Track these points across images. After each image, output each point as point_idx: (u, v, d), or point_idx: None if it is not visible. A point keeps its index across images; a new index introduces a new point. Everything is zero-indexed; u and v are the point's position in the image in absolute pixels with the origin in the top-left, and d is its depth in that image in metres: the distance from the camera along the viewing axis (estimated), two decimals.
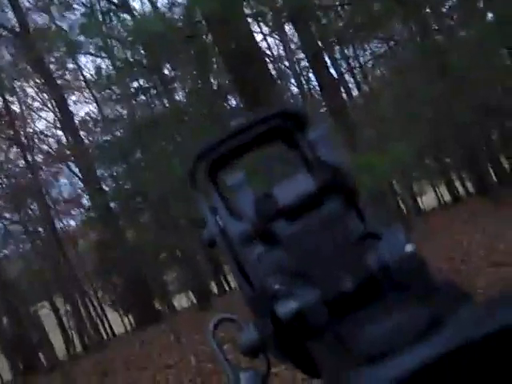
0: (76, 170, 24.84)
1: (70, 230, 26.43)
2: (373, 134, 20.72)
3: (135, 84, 17.95)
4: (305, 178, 0.74)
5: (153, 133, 15.93)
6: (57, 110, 23.57)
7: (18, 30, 21.07)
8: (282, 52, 21.35)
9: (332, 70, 18.75)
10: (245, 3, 9.50)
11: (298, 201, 0.72)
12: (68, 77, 24.44)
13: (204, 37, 11.59)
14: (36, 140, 24.46)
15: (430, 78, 16.62)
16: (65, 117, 22.75)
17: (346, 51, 23.18)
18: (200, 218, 0.79)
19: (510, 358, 0.50)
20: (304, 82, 20.19)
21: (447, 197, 31.44)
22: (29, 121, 24.12)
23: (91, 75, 21.89)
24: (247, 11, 9.95)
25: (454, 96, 14.82)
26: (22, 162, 22.48)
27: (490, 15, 14.85)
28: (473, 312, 0.56)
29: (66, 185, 27.52)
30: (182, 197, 13.53)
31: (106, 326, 27.14)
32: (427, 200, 33.38)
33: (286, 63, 19.55)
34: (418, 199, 31.73)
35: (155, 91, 18.09)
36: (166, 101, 18.01)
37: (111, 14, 11.63)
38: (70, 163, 25.09)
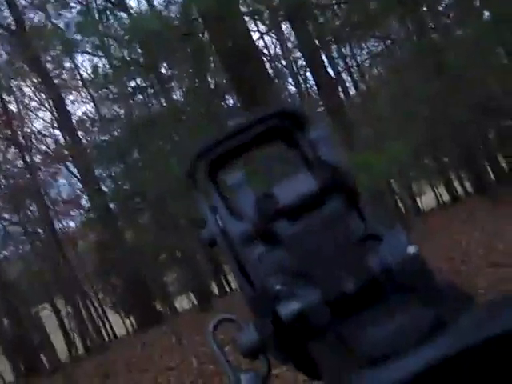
0: (74, 171, 24.85)
1: (69, 231, 26.43)
2: (370, 132, 20.75)
3: (132, 83, 17.95)
4: (305, 178, 0.74)
5: (150, 132, 15.93)
6: (54, 109, 23.56)
7: (14, 28, 21.04)
8: (278, 51, 21.38)
9: (329, 69, 18.78)
10: (241, 1, 9.52)
11: (298, 201, 0.72)
12: (65, 76, 24.46)
13: (200, 35, 11.58)
14: (34, 140, 24.48)
15: (427, 76, 16.65)
16: (62, 116, 22.74)
17: (343, 50, 23.20)
18: (200, 217, 0.79)
19: (506, 362, 0.50)
20: (301, 81, 20.19)
21: (446, 196, 31.52)
22: (26, 120, 24.15)
23: (88, 74, 21.88)
24: (244, 9, 9.96)
25: (451, 95, 14.84)
26: (20, 163, 22.49)
27: (486, 14, 14.89)
28: (475, 315, 0.56)
29: (65, 185, 27.49)
30: (181, 196, 13.52)
31: (108, 327, 27.17)
32: (426, 200, 33.48)
33: (283, 62, 19.56)
34: (417, 199, 31.79)
35: (152, 90, 18.09)
36: (163, 100, 18.01)
37: (108, 12, 11.60)
38: (68, 163, 25.10)
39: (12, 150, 22.64)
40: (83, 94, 24.42)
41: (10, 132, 21.10)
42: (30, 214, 23.10)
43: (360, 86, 25.82)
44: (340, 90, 20.96)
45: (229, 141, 0.82)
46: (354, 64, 24.97)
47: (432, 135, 21.14)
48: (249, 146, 0.84)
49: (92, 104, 22.85)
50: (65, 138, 23.85)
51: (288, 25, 15.50)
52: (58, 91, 22.79)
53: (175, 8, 12.50)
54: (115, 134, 19.71)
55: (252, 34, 11.52)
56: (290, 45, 18.16)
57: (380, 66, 25.27)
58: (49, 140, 25.50)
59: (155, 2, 14.56)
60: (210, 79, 15.94)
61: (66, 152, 23.95)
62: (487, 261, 8.44)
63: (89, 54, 16.76)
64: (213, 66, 14.66)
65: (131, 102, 18.91)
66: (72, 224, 27.29)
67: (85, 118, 25.14)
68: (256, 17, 11.14)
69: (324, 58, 17.94)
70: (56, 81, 23.37)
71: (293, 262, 0.70)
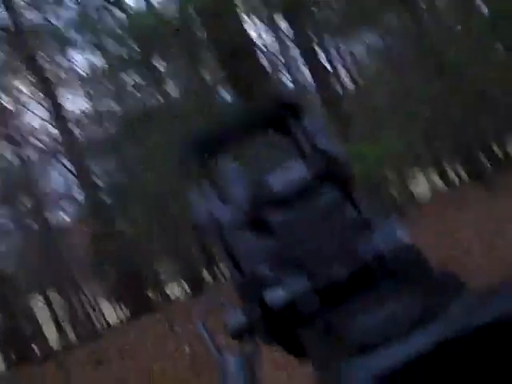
0: (68, 165, 24.73)
1: (62, 223, 26.36)
2: (365, 124, 20.73)
3: (127, 79, 17.89)
4: (298, 167, 0.75)
5: (145, 127, 15.90)
6: (49, 105, 23.44)
7: (10, 27, 20.91)
8: (275, 45, 21.30)
9: (325, 63, 18.76)
10: None
11: (291, 189, 0.72)
12: (61, 73, 24.27)
13: (196, 31, 11.55)
14: (28, 135, 24.38)
15: (422, 68, 16.64)
16: (57, 112, 22.62)
17: (339, 44, 23.15)
18: (193, 206, 0.80)
19: (505, 347, 0.51)
20: (297, 74, 20.13)
21: (441, 185, 31.44)
22: (21, 117, 24.06)
23: (84, 71, 21.83)
24: (239, 4, 9.91)
25: (447, 84, 14.84)
26: (14, 158, 22.45)
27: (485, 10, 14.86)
28: (466, 302, 0.56)
29: (59, 179, 27.37)
30: (177, 191, 13.53)
31: (100, 316, 27.11)
32: (421, 188, 33.35)
33: (279, 56, 19.52)
34: (412, 188, 31.74)
35: (148, 86, 18.03)
36: (158, 95, 17.97)
37: (104, 10, 11.58)
38: (62, 158, 24.99)
39: (6, 144, 22.57)
40: (79, 91, 24.31)
41: (5, 128, 21.03)
42: (23, 207, 23.09)
43: (355, 79, 25.76)
44: (335, 82, 20.94)
45: (222, 129, 0.83)
46: (350, 57, 24.91)
47: (427, 124, 21.14)
48: (242, 134, 0.84)
49: (87, 100, 22.80)
50: (60, 134, 23.74)
51: (284, 19, 15.47)
52: (54, 88, 22.69)
53: (172, 4, 12.46)
54: (110, 129, 19.67)
55: (248, 28, 11.47)
56: (286, 39, 18.12)
57: (375, 59, 25.21)
58: (44, 136, 25.41)
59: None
60: (205, 74, 15.91)
61: (61, 147, 23.86)
62: (481, 246, 8.50)
63: (84, 50, 16.76)
64: (209, 61, 14.62)
65: (127, 97, 18.87)
66: (65, 217, 27.27)
67: (80, 113, 25.02)
68: (252, 11, 11.11)
69: (320, 51, 17.92)
70: (51, 77, 23.25)
71: (283, 249, 0.70)
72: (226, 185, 0.79)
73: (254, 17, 19.38)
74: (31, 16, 20.95)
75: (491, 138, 23.92)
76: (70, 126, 22.99)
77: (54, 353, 17.54)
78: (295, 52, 19.53)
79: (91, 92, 21.06)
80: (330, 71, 18.97)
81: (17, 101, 23.93)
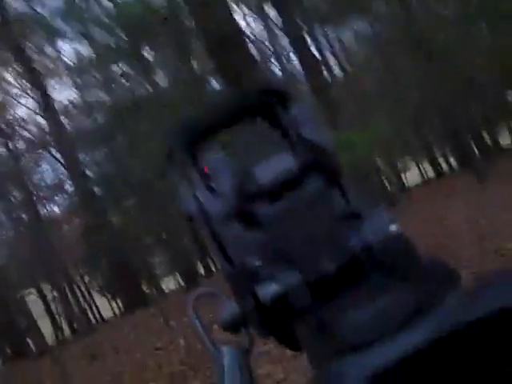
0: (58, 156, 24.66)
1: (54, 216, 26.31)
2: (354, 111, 20.74)
3: (116, 68, 17.80)
4: (286, 157, 0.73)
5: (134, 117, 15.85)
6: (37, 96, 23.32)
7: None
8: (263, 33, 21.24)
9: (314, 50, 18.72)
10: None
11: (278, 180, 0.70)
12: (48, 63, 24.14)
13: (185, 20, 11.48)
14: (17, 127, 24.27)
15: (411, 54, 16.65)
16: (45, 103, 22.51)
17: (327, 31, 23.13)
18: (181, 197, 0.78)
19: (501, 341, 0.49)
20: (286, 62, 20.12)
21: (430, 172, 31.60)
22: (9, 107, 23.91)
23: (71, 61, 21.69)
24: None
25: (435, 71, 14.86)
26: (3, 150, 22.34)
27: None
28: (462, 295, 0.55)
29: (49, 171, 27.30)
30: (166, 178, 13.49)
31: (94, 310, 27.16)
32: (411, 176, 33.50)
33: (268, 44, 19.47)
34: (402, 175, 31.88)
35: (136, 75, 17.95)
36: (147, 85, 17.90)
37: None
38: (51, 149, 24.91)
39: None
40: (66, 80, 24.19)
41: None
42: (14, 199, 23.00)
43: (344, 66, 25.76)
44: (324, 70, 20.92)
45: (209, 117, 0.81)
46: (338, 44, 24.91)
47: (416, 112, 21.19)
48: (229, 123, 0.81)
49: (75, 90, 22.69)
50: (48, 124, 23.64)
51: (272, 7, 15.42)
52: (41, 78, 22.56)
53: None
54: (99, 119, 19.61)
55: (236, 17, 11.41)
56: (274, 27, 18.08)
57: (364, 46, 25.21)
58: (32, 126, 25.30)
59: None
60: (194, 63, 15.85)
61: (50, 138, 23.77)
62: (471, 234, 8.53)
63: (72, 40, 16.63)
64: (197, 50, 14.56)
65: (115, 87, 18.78)
66: (56, 209, 27.21)
67: (68, 103, 24.92)
68: (240, 0, 11.06)
69: (309, 39, 17.89)
70: (39, 67, 23.12)
71: (271, 242, 0.68)
72: (213, 175, 0.77)
73: (242, 5, 19.33)
74: (16, 5, 20.81)
75: (481, 126, 24.02)
76: (59, 116, 22.89)
77: (49, 348, 17.53)
78: (284, 40, 19.51)
79: (79, 82, 20.93)
80: (318, 59, 18.92)
81: (5, 92, 23.77)
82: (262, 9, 11.62)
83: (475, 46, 17.51)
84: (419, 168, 32.74)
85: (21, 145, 24.12)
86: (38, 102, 23.61)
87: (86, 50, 17.88)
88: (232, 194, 0.72)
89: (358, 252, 0.64)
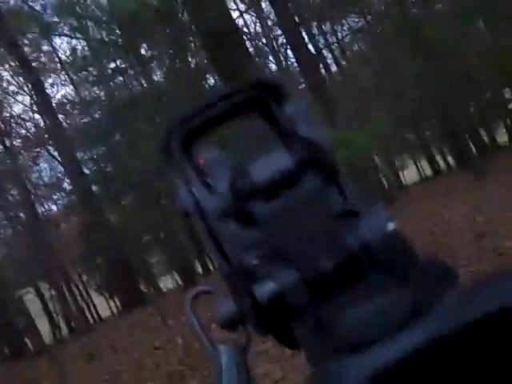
0: (55, 154, 24.68)
1: (51, 215, 26.32)
2: (351, 109, 20.76)
3: (112, 65, 17.78)
4: (282, 154, 0.71)
5: (131, 114, 15.84)
6: (33, 93, 23.31)
7: None
8: (259, 29, 21.26)
9: (310, 46, 18.73)
10: None
11: (275, 178, 0.69)
12: (43, 59, 24.15)
13: (180, 15, 11.47)
14: (13, 124, 24.25)
15: (408, 51, 16.66)
16: (42, 100, 22.50)
17: (323, 27, 23.12)
18: (178, 193, 0.77)
19: (500, 341, 0.49)
20: (282, 58, 20.12)
21: (428, 171, 31.71)
22: (5, 105, 23.88)
23: (67, 57, 21.65)
24: None
25: (432, 69, 14.87)
26: (0, 147, 22.30)
27: None
28: (461, 294, 0.54)
29: (46, 169, 27.29)
30: (164, 177, 13.48)
31: (92, 309, 27.20)
32: (408, 174, 33.63)
33: (264, 40, 19.46)
34: (400, 173, 31.98)
35: (132, 71, 17.94)
36: (143, 81, 17.89)
37: None
38: (49, 147, 24.91)
39: None
40: (62, 77, 24.19)
41: None
42: (11, 198, 22.97)
43: (341, 63, 25.78)
44: (321, 66, 20.93)
45: (204, 112, 0.79)
46: (335, 40, 24.92)
47: (414, 110, 21.23)
48: (225, 118, 0.80)
49: (72, 86, 22.66)
50: (45, 122, 23.64)
51: (267, 3, 15.42)
52: (37, 74, 22.53)
53: None
54: (96, 116, 19.59)
55: (232, 12, 11.40)
56: (269, 23, 18.08)
57: (361, 42, 25.24)
58: (29, 124, 25.29)
59: None
60: (190, 59, 15.84)
61: (47, 135, 23.76)
62: (469, 233, 8.54)
63: (67, 36, 16.57)
64: (193, 45, 14.55)
65: (111, 83, 18.75)
66: (54, 207, 27.22)
67: (65, 100, 24.93)
68: None
69: (304, 34, 17.90)
70: (34, 64, 23.10)
71: (269, 240, 0.67)
72: (209, 172, 0.76)
73: (238, 1, 19.33)
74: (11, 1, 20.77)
75: (478, 124, 24.07)
76: (56, 113, 22.90)
77: (47, 347, 17.59)
78: (280, 37, 19.52)
79: (75, 78, 20.88)
80: (314, 54, 18.93)
81: (1, 89, 23.73)
82: (258, 3, 11.61)
83: (473, 45, 17.52)
84: (417, 166, 32.83)
85: (18, 143, 24.11)
86: (34, 99, 23.62)
87: (80, 45, 17.83)
88: (228, 192, 0.71)
89: (356, 250, 0.63)
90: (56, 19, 10.51)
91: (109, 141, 18.66)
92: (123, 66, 17.71)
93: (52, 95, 24.55)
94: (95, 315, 27.20)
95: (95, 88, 20.58)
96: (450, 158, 29.50)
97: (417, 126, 26.41)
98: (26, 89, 24.36)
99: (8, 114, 23.99)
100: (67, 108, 24.71)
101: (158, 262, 28.77)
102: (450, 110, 17.03)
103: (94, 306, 27.54)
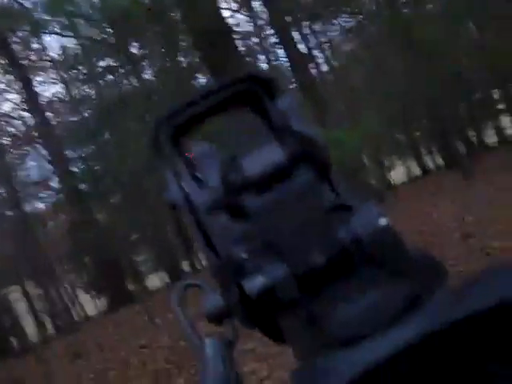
0: (44, 152, 24.55)
1: (39, 213, 26.18)
2: (342, 108, 20.79)
3: (102, 63, 17.72)
4: (274, 148, 0.71)
5: (121, 112, 15.79)
6: (22, 91, 23.19)
7: None
8: (250, 28, 21.24)
9: (301, 46, 18.75)
10: None
11: (267, 171, 0.68)
12: (33, 57, 24.02)
13: (172, 14, 11.45)
14: (2, 122, 24.11)
15: (398, 52, 16.71)
16: (31, 98, 22.39)
17: (314, 26, 23.13)
18: (167, 186, 0.77)
19: (491, 338, 0.48)
20: (273, 57, 20.15)
21: (417, 170, 31.80)
22: None
23: (57, 55, 21.57)
24: None
25: (422, 69, 14.92)
26: None
27: None
28: (451, 291, 0.54)
29: (34, 167, 27.14)
30: (152, 175, 13.46)
31: (78, 308, 27.08)
32: (397, 174, 33.69)
33: (255, 39, 19.46)
34: (388, 173, 32.04)
35: (123, 70, 17.88)
36: (134, 80, 17.83)
37: None
38: (37, 145, 24.78)
39: None
40: (52, 75, 24.07)
41: None
42: None
43: (332, 62, 25.81)
44: (312, 66, 20.95)
45: (194, 105, 0.78)
46: (326, 40, 24.94)
47: (404, 110, 21.28)
48: (215, 111, 0.79)
49: (61, 85, 22.57)
50: (34, 120, 23.52)
51: (259, 2, 15.42)
52: (26, 72, 22.43)
53: None
54: (86, 114, 19.53)
55: (223, 11, 11.38)
56: (261, 22, 18.09)
57: (352, 42, 25.27)
58: (17, 122, 25.14)
59: None
60: (181, 58, 15.81)
61: (35, 134, 23.65)
62: (457, 232, 8.58)
63: (57, 34, 16.49)
64: (184, 44, 14.53)
65: (101, 82, 18.69)
66: (42, 206, 27.07)
67: (54, 99, 24.80)
68: None
69: (295, 34, 17.91)
70: (24, 62, 22.98)
71: (259, 234, 0.67)
72: (199, 166, 0.76)
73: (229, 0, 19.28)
74: None
75: (466, 125, 24.17)
76: (45, 111, 22.79)
77: (33, 346, 17.49)
78: (271, 36, 19.51)
79: (64, 76, 20.81)
80: (305, 54, 18.95)
81: None
82: (249, 2, 11.60)
83: (463, 45, 17.59)
84: (405, 166, 32.92)
85: (7, 141, 23.97)
86: (23, 97, 23.50)
87: (70, 43, 17.76)
88: (219, 185, 0.70)
89: (348, 244, 0.63)
90: (46, 17, 10.45)
91: (98, 139, 18.60)
92: (114, 64, 17.65)
93: (41, 93, 24.43)
94: (81, 314, 27.10)
95: (85, 86, 20.52)
96: (438, 158, 29.61)
97: (407, 126, 26.49)
98: (15, 86, 24.23)
99: None
100: (56, 106, 24.59)
101: (146, 260, 28.70)
102: (439, 110, 17.10)
103: (81, 304, 27.44)
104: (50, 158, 23.56)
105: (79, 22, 11.14)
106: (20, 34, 19.77)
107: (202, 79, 16.76)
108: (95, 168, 19.65)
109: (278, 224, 0.67)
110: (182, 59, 15.89)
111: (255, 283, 0.60)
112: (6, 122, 24.42)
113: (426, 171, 29.54)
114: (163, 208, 15.91)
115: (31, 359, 13.09)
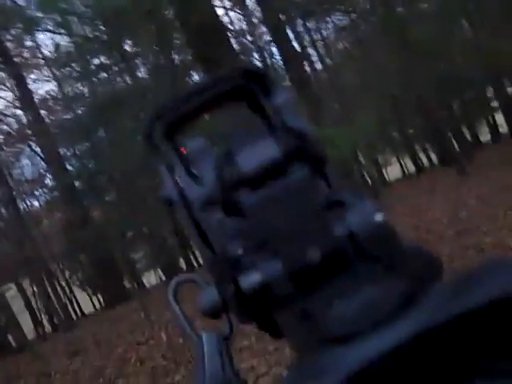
0: (38, 150, 24.51)
1: (33, 211, 26.14)
2: (336, 106, 20.80)
3: (96, 61, 17.67)
4: (269, 143, 0.70)
5: (115, 110, 15.76)
6: (16, 88, 23.12)
7: None
8: (244, 26, 21.22)
9: (295, 44, 18.74)
10: None
11: (262, 167, 0.68)
12: (26, 54, 23.94)
13: (165, 11, 11.43)
14: None
15: (392, 50, 16.72)
16: (24, 96, 22.33)
17: (308, 24, 23.14)
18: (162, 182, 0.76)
19: (488, 334, 0.48)
20: (267, 55, 20.12)
21: (411, 167, 31.85)
22: None
23: (50, 52, 21.50)
24: None
25: (416, 68, 14.94)
26: None
27: None
28: (448, 287, 0.53)
29: (28, 165, 27.08)
30: (147, 173, 13.45)
31: (75, 305, 27.07)
32: (392, 171, 33.75)
33: (249, 37, 19.45)
34: (383, 170, 32.09)
35: (116, 68, 17.83)
36: (127, 77, 17.79)
37: None
38: (31, 143, 24.73)
39: None
40: (45, 73, 23.99)
41: None
42: None
43: (326, 61, 25.81)
44: (306, 64, 20.94)
45: (188, 100, 0.77)
46: (320, 38, 24.95)
47: (398, 108, 21.31)
48: (210, 106, 0.79)
49: (55, 82, 22.50)
50: (27, 118, 23.46)
51: (253, 0, 15.40)
52: (20, 70, 22.35)
53: None
54: (79, 112, 19.48)
55: (217, 9, 11.36)
56: (255, 20, 18.07)
57: (345, 40, 25.28)
58: (11, 120, 25.07)
59: None
60: (175, 56, 15.78)
61: (29, 131, 23.59)
62: (451, 229, 8.60)
63: (50, 31, 16.43)
64: (178, 42, 14.50)
65: (95, 79, 18.65)
66: (36, 203, 27.03)
67: (48, 96, 24.73)
68: None
69: (289, 32, 17.90)
70: (17, 59, 22.91)
71: (255, 230, 0.66)
72: (194, 161, 0.75)
73: None
74: None
75: (461, 122, 24.23)
76: (39, 109, 22.73)
77: (30, 343, 17.47)
78: (265, 33, 19.50)
79: (58, 74, 20.73)
80: (299, 52, 18.94)
81: None
82: (243, 2, 11.59)
83: (457, 44, 17.61)
84: (400, 163, 32.97)
85: (0, 139, 23.92)
86: (17, 95, 23.43)
87: (64, 41, 17.70)
88: (214, 181, 0.69)
89: (343, 241, 0.63)
90: (39, 14, 10.41)
91: (92, 137, 18.56)
92: (107, 62, 17.60)
93: (35, 91, 24.36)
94: (78, 311, 27.07)
95: (79, 84, 20.46)
96: (432, 155, 29.67)
97: (400, 123, 26.53)
98: (8, 84, 24.16)
99: None
100: (50, 104, 24.52)
101: (142, 257, 28.68)
102: (434, 108, 17.12)
103: (77, 301, 27.41)
104: (43, 156, 23.53)
105: (72, 19, 11.10)
106: (13, 31, 19.66)
107: (195, 77, 16.75)
108: (90, 166, 19.63)
109: (273, 220, 0.66)
110: (176, 57, 15.85)
111: (251, 280, 0.60)
112: (0, 119, 24.36)
113: (420, 168, 29.59)
114: (159, 205, 15.91)
115: (28, 357, 13.08)
